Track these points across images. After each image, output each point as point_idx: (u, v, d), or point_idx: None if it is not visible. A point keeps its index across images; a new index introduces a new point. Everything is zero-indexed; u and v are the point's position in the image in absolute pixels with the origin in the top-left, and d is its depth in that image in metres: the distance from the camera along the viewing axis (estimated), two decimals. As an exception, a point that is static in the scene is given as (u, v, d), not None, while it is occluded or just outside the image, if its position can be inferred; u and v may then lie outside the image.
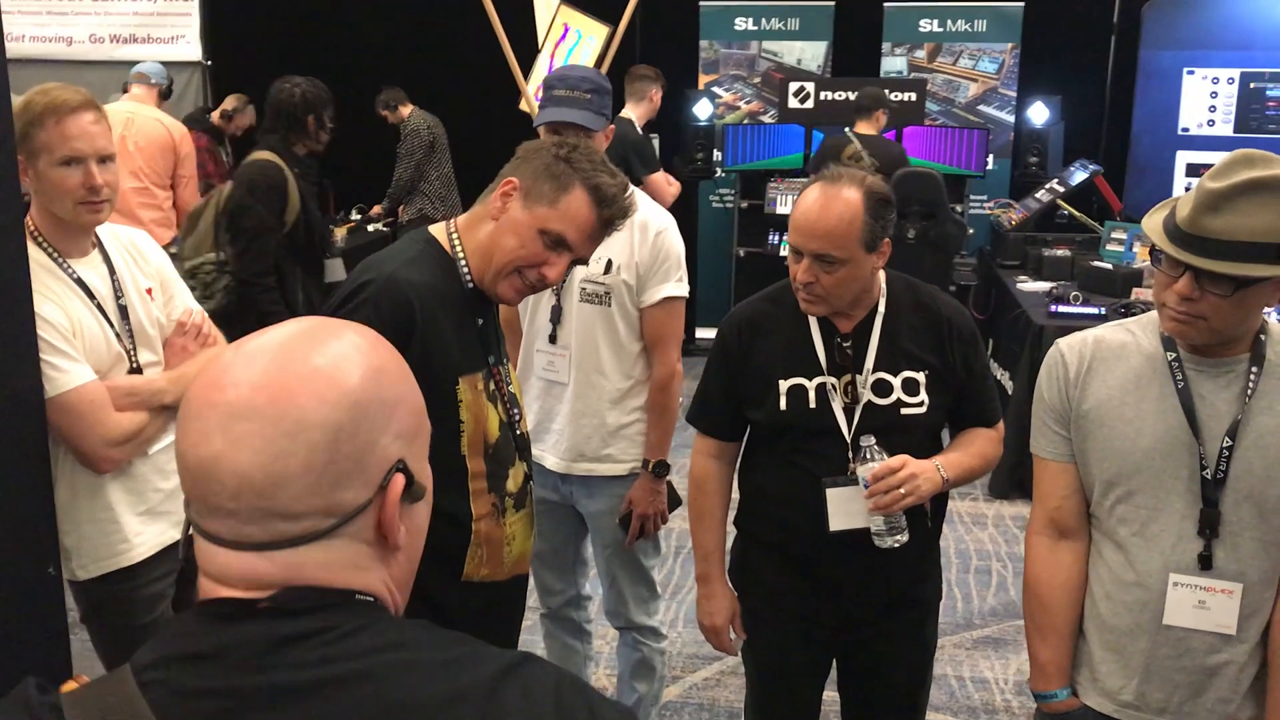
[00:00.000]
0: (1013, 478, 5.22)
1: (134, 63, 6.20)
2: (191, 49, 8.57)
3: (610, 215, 2.01)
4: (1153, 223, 1.81)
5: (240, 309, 4.01)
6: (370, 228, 7.84)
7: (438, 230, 2.09)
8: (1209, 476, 1.81)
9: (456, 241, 2.04)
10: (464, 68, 7.82)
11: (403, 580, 0.98)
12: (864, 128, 6.46)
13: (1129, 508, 1.87)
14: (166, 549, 2.45)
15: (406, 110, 7.75)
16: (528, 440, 2.16)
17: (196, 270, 4.06)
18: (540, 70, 6.77)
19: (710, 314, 7.56)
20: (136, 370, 2.39)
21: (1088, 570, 1.96)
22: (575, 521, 3.02)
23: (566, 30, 6.73)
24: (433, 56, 8.39)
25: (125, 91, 5.87)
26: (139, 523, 2.40)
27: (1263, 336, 1.83)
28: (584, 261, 2.08)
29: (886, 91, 6.80)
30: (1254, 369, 1.81)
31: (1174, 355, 1.85)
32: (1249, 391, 1.80)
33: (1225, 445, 1.80)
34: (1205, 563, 1.82)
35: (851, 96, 7.20)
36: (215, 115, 7.25)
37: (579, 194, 1.97)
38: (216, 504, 0.88)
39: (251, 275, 4.05)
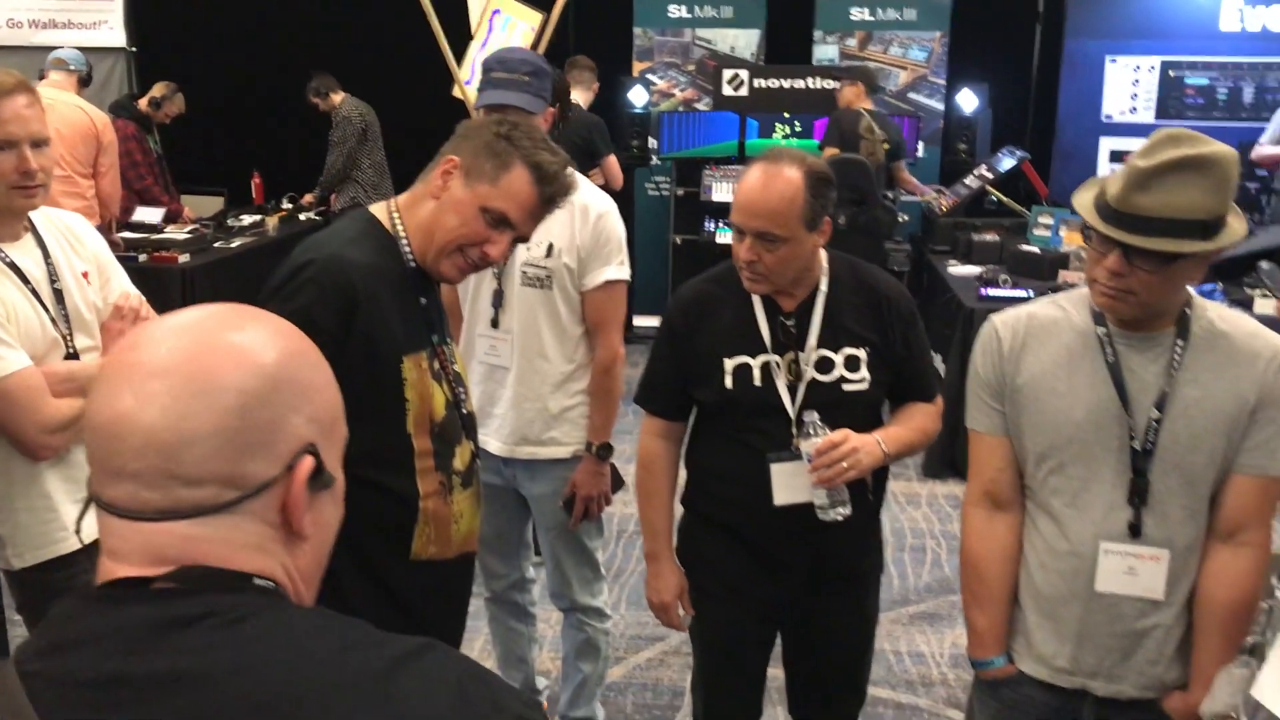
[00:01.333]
0: (945, 457, 5.33)
1: (53, 48, 6.04)
2: (115, 35, 8.39)
3: (551, 193, 2.01)
4: (1083, 201, 1.87)
5: None
6: (303, 216, 7.75)
7: (379, 210, 2.08)
8: (1138, 447, 1.87)
9: (398, 221, 2.03)
10: (395, 54, 7.76)
11: (309, 573, 0.96)
12: (865, 103, 6.85)
13: (1061, 479, 1.93)
14: (105, 537, 2.42)
15: (338, 98, 7.65)
16: (474, 419, 2.16)
17: None
18: (473, 56, 6.74)
19: (648, 301, 7.61)
20: (73, 355, 2.35)
21: (1022, 541, 2.02)
22: (518, 505, 3.03)
23: (495, 16, 6.70)
24: (363, 43, 8.30)
25: (42, 78, 5.72)
26: (76, 510, 2.36)
27: (1188, 310, 1.89)
28: (525, 239, 2.08)
29: (816, 80, 6.93)
30: (1180, 342, 1.87)
31: (1104, 330, 1.91)
32: (1175, 364, 1.86)
33: (1153, 417, 1.86)
34: (1134, 531, 1.88)
35: (785, 84, 7.28)
36: (143, 103, 7.10)
37: (520, 171, 1.96)
38: (119, 465, 0.87)
39: None
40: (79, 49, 5.97)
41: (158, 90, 7.14)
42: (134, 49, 8.49)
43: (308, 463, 0.91)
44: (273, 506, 0.90)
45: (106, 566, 0.89)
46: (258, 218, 7.37)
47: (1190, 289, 1.91)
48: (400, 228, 2.02)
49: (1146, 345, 1.88)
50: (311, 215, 7.80)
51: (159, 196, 7.00)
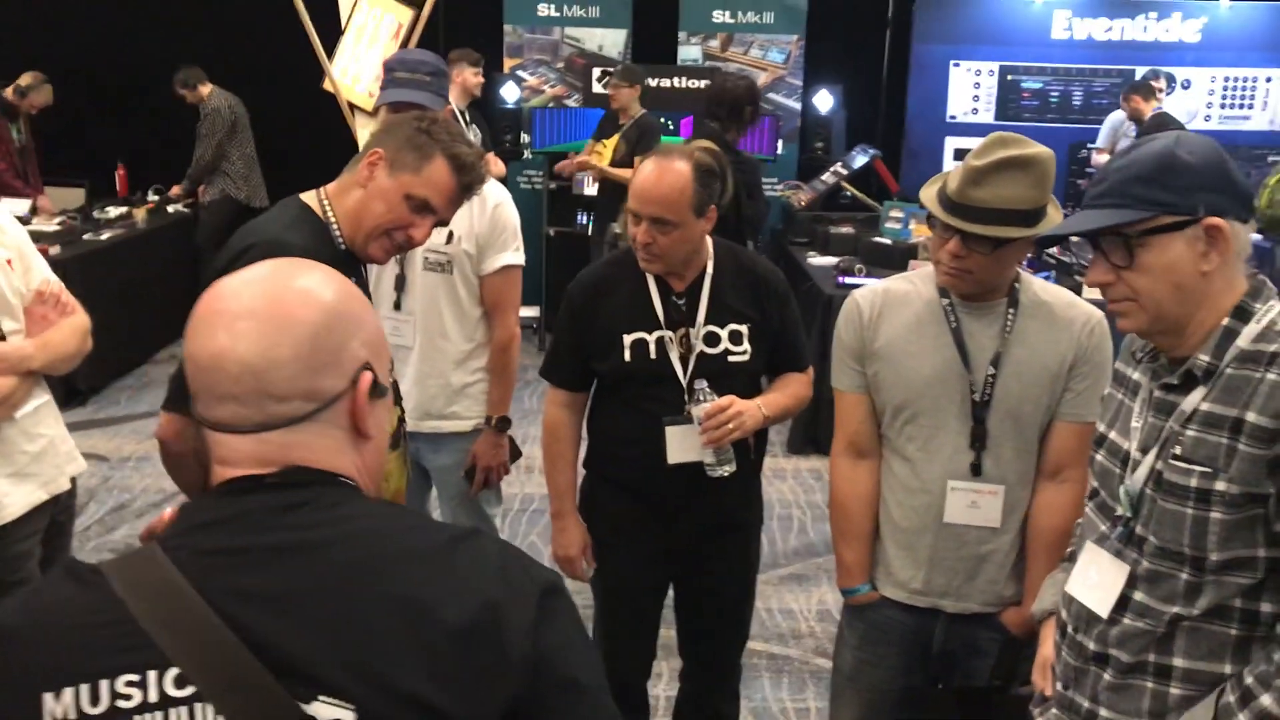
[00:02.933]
0: (808, 434, 5.71)
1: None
2: (-32, 23, 8.15)
3: (469, 181, 2.21)
4: (928, 194, 2.20)
5: None
6: (171, 208, 7.70)
7: (309, 198, 2.25)
8: (977, 399, 2.21)
9: (328, 207, 2.21)
10: (263, 46, 7.74)
11: (374, 468, 1.19)
12: (637, 108, 6.72)
13: (914, 428, 2.26)
14: (34, 510, 2.54)
15: (206, 89, 7.62)
16: (397, 387, 2.37)
17: None
18: (344, 50, 6.82)
19: (525, 293, 7.79)
20: (0, 338, 2.47)
21: (881, 483, 2.34)
22: (421, 477, 3.22)
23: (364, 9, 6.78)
24: (230, 35, 8.26)
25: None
26: (7, 484, 2.48)
27: (1018, 285, 2.24)
28: (446, 223, 2.28)
29: (682, 79, 7.15)
30: (1011, 311, 2.22)
31: (948, 301, 2.24)
32: (1007, 329, 2.21)
33: (989, 373, 2.20)
34: (975, 470, 2.22)
35: (652, 83, 7.55)
36: (9, 91, 6.95)
37: (440, 162, 2.16)
38: (222, 391, 1.07)
39: None
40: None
41: (24, 79, 7.01)
42: (-11, 38, 8.26)
43: (367, 377, 1.14)
44: (343, 414, 1.12)
45: (219, 471, 1.10)
46: (124, 210, 7.30)
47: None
48: (330, 214, 2.20)
49: (983, 313, 2.22)
50: (179, 207, 7.75)
51: (11, 182, 6.88)
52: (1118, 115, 7.76)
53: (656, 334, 2.51)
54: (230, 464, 1.10)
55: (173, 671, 1.01)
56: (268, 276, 1.13)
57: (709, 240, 2.57)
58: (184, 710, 1.00)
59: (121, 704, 1.00)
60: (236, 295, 1.10)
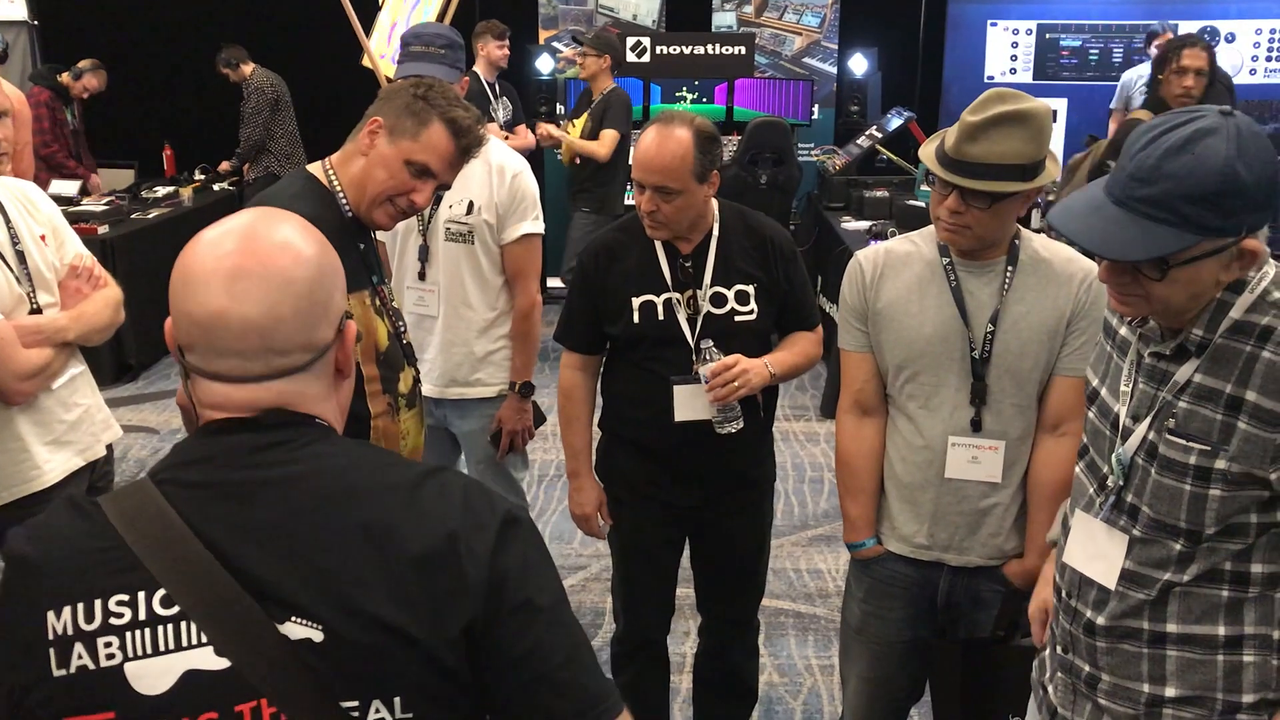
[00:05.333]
0: (841, 399, 5.72)
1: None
2: (16, 8, 8.34)
3: (467, 144, 2.26)
4: (927, 151, 2.22)
5: None
6: (216, 186, 7.85)
7: (315, 168, 2.32)
8: (977, 356, 2.23)
9: (333, 177, 2.27)
10: (302, 25, 7.85)
11: (344, 406, 1.28)
12: (607, 79, 6.41)
13: (916, 385, 2.29)
14: (71, 475, 2.65)
15: (248, 69, 7.73)
16: (412, 348, 2.44)
17: None
18: (382, 27, 6.89)
19: (557, 264, 7.86)
20: (37, 311, 2.57)
21: (885, 440, 2.38)
22: (449, 443, 3.31)
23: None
24: (270, 14, 8.37)
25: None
26: (47, 451, 2.59)
27: (1017, 241, 2.26)
28: (447, 187, 2.32)
29: (716, 46, 7.12)
30: (1010, 268, 2.24)
31: (948, 260, 2.27)
32: (1006, 286, 2.23)
33: (988, 330, 2.23)
34: (976, 426, 2.25)
35: (686, 50, 7.53)
36: (65, 76, 7.11)
37: (437, 127, 2.21)
38: (225, 347, 1.13)
39: None
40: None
41: (82, 64, 7.17)
42: (36, 22, 8.44)
43: (352, 325, 1.23)
44: (330, 360, 1.21)
45: (208, 415, 1.18)
46: (171, 189, 7.45)
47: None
48: (336, 183, 2.26)
49: (982, 271, 2.24)
50: (225, 185, 7.90)
51: (64, 163, 7.05)
52: (1131, 73, 7.59)
53: (664, 296, 2.56)
54: (221, 409, 1.17)
55: (160, 592, 1.09)
56: (247, 233, 1.17)
57: (714, 203, 2.60)
58: (169, 627, 1.09)
59: (113, 621, 1.09)
60: (226, 256, 1.14)
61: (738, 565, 2.79)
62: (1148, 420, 1.66)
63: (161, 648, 1.09)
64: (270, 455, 1.15)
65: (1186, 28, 7.98)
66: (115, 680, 1.09)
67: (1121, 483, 1.70)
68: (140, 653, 1.09)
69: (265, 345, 1.14)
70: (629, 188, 6.25)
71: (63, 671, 1.09)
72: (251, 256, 1.14)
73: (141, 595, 1.10)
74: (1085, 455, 1.84)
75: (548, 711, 1.17)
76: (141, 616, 1.09)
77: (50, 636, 1.10)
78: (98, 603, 1.10)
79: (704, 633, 2.98)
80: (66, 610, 1.10)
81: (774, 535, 3.12)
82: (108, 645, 1.09)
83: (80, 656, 1.09)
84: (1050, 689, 1.89)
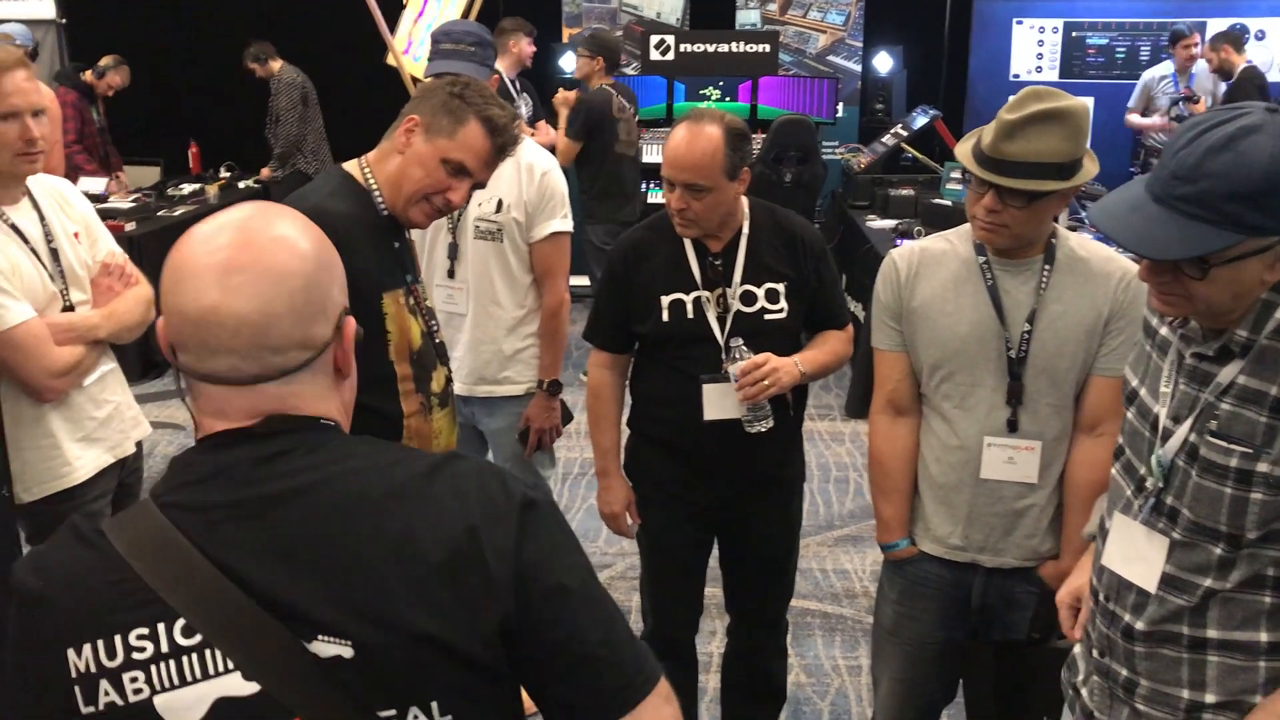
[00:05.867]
0: (866, 399, 5.64)
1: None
2: (44, 6, 8.38)
3: (503, 142, 2.25)
4: (964, 150, 2.20)
5: None
6: (241, 184, 7.88)
7: (351, 166, 2.32)
8: (1013, 356, 2.21)
9: (369, 175, 2.27)
10: (327, 23, 7.87)
11: (349, 404, 1.23)
12: (601, 79, 6.21)
13: (951, 385, 2.27)
14: (102, 472, 2.66)
15: (276, 65, 7.75)
16: (445, 347, 2.44)
17: None
18: (405, 25, 6.90)
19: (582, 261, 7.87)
20: (69, 308, 2.58)
21: (919, 440, 2.36)
22: (477, 441, 3.31)
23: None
24: (295, 12, 8.41)
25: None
26: (78, 448, 2.60)
27: (1054, 240, 2.23)
28: (483, 185, 2.31)
29: (740, 44, 7.11)
30: (1047, 266, 2.21)
31: (984, 259, 2.25)
32: (1043, 285, 2.20)
33: (1025, 330, 2.20)
34: (1012, 426, 2.23)
35: (710, 48, 7.51)
36: (88, 74, 7.15)
37: (474, 125, 2.21)
38: (217, 344, 1.09)
39: None
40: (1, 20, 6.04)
41: (104, 61, 7.20)
42: (64, 21, 8.49)
43: (350, 322, 1.18)
44: (329, 360, 1.17)
45: (208, 424, 1.14)
46: (197, 186, 7.49)
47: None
48: (371, 181, 2.27)
49: (1019, 270, 2.22)
50: (250, 183, 7.93)
51: (85, 165, 7.08)
52: (1151, 73, 7.52)
53: (693, 294, 2.55)
54: (221, 416, 1.13)
55: (180, 622, 1.07)
56: (242, 227, 1.13)
57: (744, 200, 2.59)
58: (194, 656, 1.06)
59: (136, 656, 1.07)
60: (219, 250, 1.10)
61: (767, 565, 2.78)
62: (1189, 422, 1.63)
63: (189, 678, 1.07)
64: (275, 467, 1.11)
65: (1215, 25, 7.91)
66: (147, 715, 1.07)
67: (1161, 485, 1.68)
68: (168, 685, 1.07)
69: (259, 343, 1.10)
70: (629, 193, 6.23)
71: (91, 709, 1.07)
72: (246, 251, 1.10)
73: (161, 627, 1.07)
74: (1121, 456, 1.81)
75: (590, 690, 1.15)
76: (164, 649, 1.07)
77: (73, 674, 1.08)
78: (118, 639, 1.07)
79: (732, 633, 2.96)
80: (87, 648, 1.07)
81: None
82: (134, 681, 1.07)
83: (107, 694, 1.07)
84: (1084, 692, 1.87)
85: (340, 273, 1.20)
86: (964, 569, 2.33)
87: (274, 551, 1.08)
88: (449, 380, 2.42)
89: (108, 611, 1.08)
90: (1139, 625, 1.70)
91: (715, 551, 2.83)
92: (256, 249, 1.11)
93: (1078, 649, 1.93)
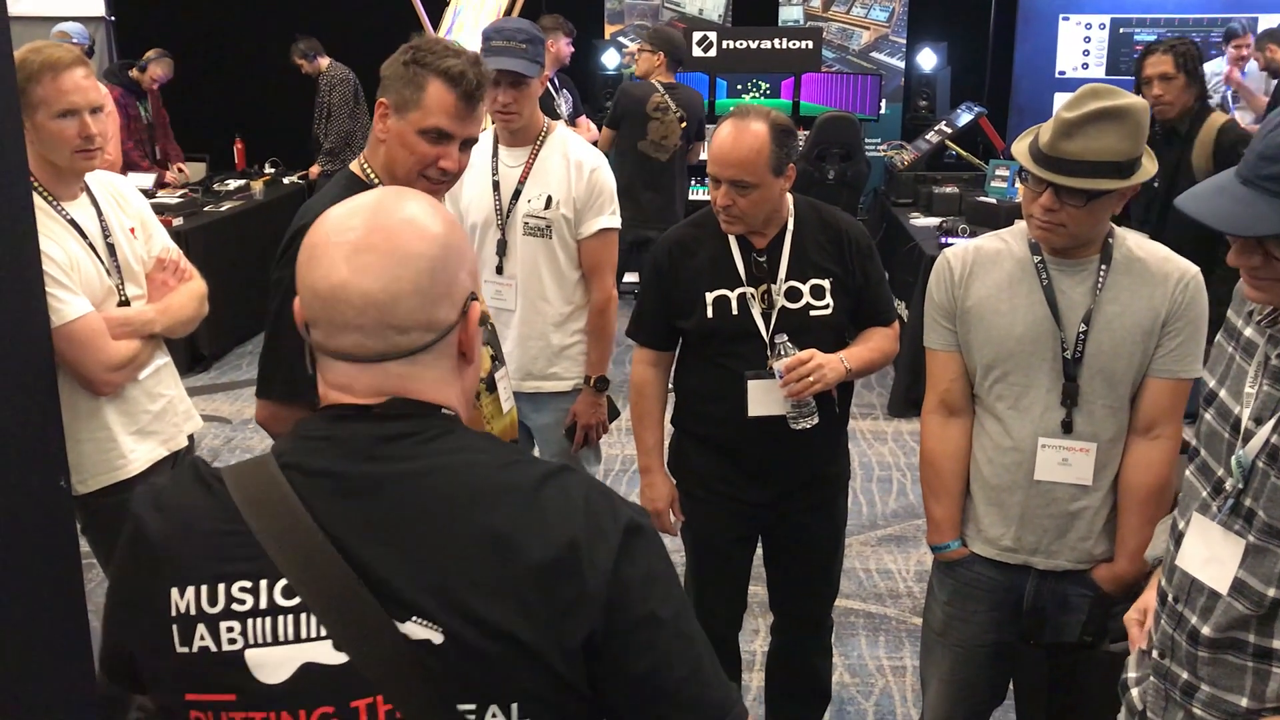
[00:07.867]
0: (908, 398, 5.66)
1: (33, 19, 6.19)
2: (94, 4, 8.48)
3: (468, 89, 2.16)
4: (1020, 148, 2.18)
5: None
6: (285, 181, 7.95)
7: (354, 166, 2.32)
8: (1069, 357, 2.19)
9: (369, 171, 2.27)
10: (372, 20, 7.90)
11: (470, 392, 1.25)
12: (661, 76, 6.16)
13: (1005, 386, 2.25)
14: (156, 464, 2.69)
15: (324, 61, 7.80)
16: (494, 332, 2.43)
17: None
18: (448, 22, 6.95)
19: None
20: (125, 303, 2.62)
21: (972, 441, 2.34)
22: (523, 436, 3.32)
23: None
24: (340, 8, 8.46)
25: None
26: (132, 440, 2.64)
27: (1110, 240, 2.21)
28: (474, 141, 2.26)
29: (782, 41, 7.08)
30: (1103, 266, 2.19)
31: (1039, 258, 2.22)
32: (1099, 285, 2.18)
33: (1081, 330, 2.18)
34: (1067, 427, 2.20)
35: (752, 45, 7.48)
36: (134, 71, 7.22)
37: (434, 86, 2.15)
38: (345, 321, 1.12)
39: None
40: (55, 18, 6.10)
41: (148, 55, 7.27)
42: (113, 18, 8.59)
43: (476, 306, 1.20)
44: (454, 343, 1.18)
45: (333, 396, 1.17)
46: (242, 182, 7.56)
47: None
48: (372, 175, 2.26)
49: (1075, 269, 2.20)
50: (294, 179, 8.00)
51: (139, 161, 7.16)
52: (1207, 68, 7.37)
53: (738, 291, 2.54)
54: (345, 390, 1.16)
55: (282, 582, 1.09)
56: (374, 210, 1.16)
57: (789, 197, 2.58)
58: (289, 618, 1.09)
59: (235, 606, 1.10)
60: (351, 230, 1.14)
61: (812, 564, 2.77)
62: (1271, 423, 1.60)
63: (281, 638, 1.09)
64: (394, 449, 1.13)
65: (1267, 21, 7.78)
66: (236, 664, 1.10)
67: (1240, 486, 1.65)
68: (260, 641, 1.09)
69: (385, 321, 1.12)
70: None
71: (185, 649, 1.10)
72: (376, 231, 1.14)
73: (264, 583, 1.10)
74: (1197, 457, 1.78)
75: None
76: (263, 605, 1.10)
77: (173, 613, 1.11)
78: (221, 587, 1.10)
79: (776, 631, 2.95)
80: (190, 590, 1.11)
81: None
82: (230, 630, 1.10)
83: (203, 638, 1.10)
84: (1134, 693, 1.85)
85: (470, 258, 1.22)
86: (1016, 571, 2.31)
87: (379, 530, 1.10)
88: (495, 358, 2.39)
89: (216, 559, 1.11)
90: (1205, 630, 1.68)
91: (759, 549, 2.82)
92: (386, 230, 1.14)
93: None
